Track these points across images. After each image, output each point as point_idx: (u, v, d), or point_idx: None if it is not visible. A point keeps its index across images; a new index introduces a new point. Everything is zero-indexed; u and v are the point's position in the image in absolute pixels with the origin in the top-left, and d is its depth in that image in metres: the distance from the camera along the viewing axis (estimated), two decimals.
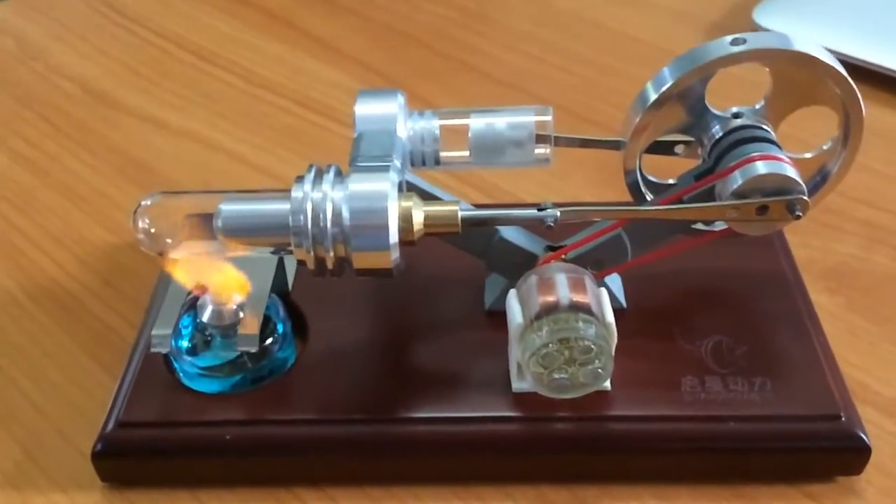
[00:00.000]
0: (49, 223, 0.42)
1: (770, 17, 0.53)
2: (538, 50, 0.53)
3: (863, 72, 0.47)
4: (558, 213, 0.29)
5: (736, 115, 0.31)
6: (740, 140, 0.30)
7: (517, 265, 0.32)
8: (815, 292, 0.35)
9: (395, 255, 0.28)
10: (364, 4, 0.58)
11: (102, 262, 0.40)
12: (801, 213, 0.29)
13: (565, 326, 0.28)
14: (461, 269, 0.34)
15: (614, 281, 0.34)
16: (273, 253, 0.30)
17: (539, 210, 0.29)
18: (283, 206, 0.28)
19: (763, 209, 0.29)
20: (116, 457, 0.30)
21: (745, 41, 0.29)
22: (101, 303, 0.38)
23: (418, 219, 0.29)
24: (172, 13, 0.57)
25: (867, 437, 0.30)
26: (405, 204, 0.28)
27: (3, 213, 0.43)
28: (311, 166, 0.29)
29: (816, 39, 0.30)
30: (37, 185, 0.44)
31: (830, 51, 0.30)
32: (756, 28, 0.52)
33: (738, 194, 0.29)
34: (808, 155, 0.32)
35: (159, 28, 0.56)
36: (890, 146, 0.45)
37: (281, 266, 0.34)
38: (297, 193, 0.28)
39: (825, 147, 0.32)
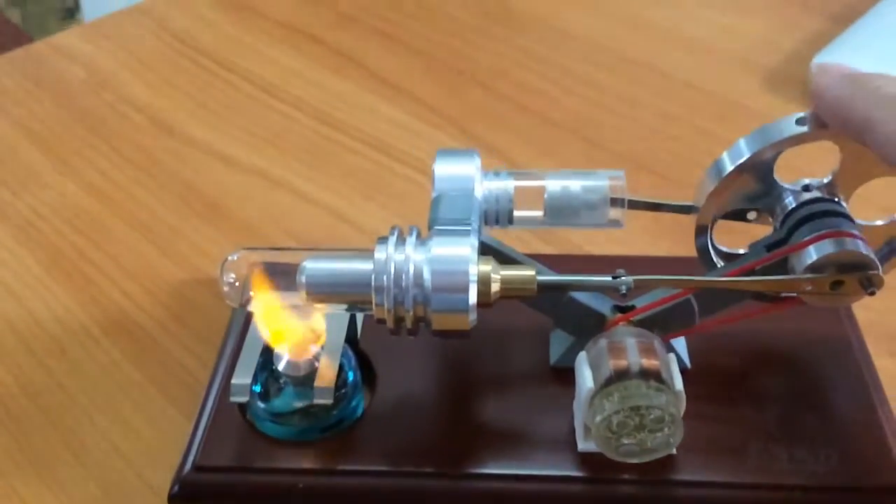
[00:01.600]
0: (121, 255, 0.43)
1: None
2: (597, 94, 0.54)
3: None
4: (632, 282, 0.30)
5: (806, 188, 0.31)
6: (814, 214, 0.30)
7: (585, 325, 0.32)
8: (878, 356, 0.35)
9: (472, 317, 0.29)
10: (426, 42, 0.58)
11: (172, 298, 0.41)
12: (874, 290, 0.29)
13: (636, 393, 0.29)
14: (525, 323, 0.35)
15: (678, 340, 0.34)
16: (347, 310, 0.31)
17: (613, 278, 0.30)
18: (365, 266, 0.29)
19: (837, 284, 0.29)
20: (192, 500, 0.31)
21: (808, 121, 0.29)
22: (172, 339, 0.39)
23: (496, 282, 0.29)
24: (238, 46, 0.59)
25: None
26: (484, 268, 0.29)
27: (76, 245, 0.44)
28: (393, 228, 0.30)
29: None
30: (108, 216, 0.46)
31: None
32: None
33: (813, 268, 0.29)
34: (879, 222, 0.33)
35: (225, 61, 0.57)
36: None
37: (353, 316, 0.34)
38: (380, 254, 0.29)
39: None
